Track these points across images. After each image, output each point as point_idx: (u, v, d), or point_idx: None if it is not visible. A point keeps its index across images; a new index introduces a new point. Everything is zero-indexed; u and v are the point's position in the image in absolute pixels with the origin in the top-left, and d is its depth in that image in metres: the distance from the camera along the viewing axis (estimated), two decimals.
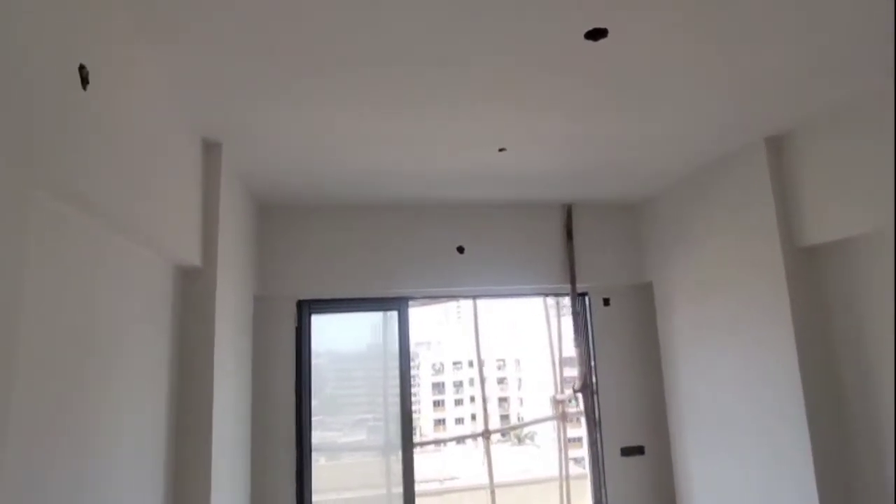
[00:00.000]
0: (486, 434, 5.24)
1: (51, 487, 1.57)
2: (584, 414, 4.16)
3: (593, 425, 4.08)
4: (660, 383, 4.33)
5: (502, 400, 34.76)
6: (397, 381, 4.17)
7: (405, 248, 4.14)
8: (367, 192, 3.86)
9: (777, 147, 3.18)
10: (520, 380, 35.79)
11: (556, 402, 5.28)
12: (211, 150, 2.84)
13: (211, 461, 2.62)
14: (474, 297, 4.67)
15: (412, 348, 4.28)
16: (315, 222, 4.08)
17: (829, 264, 3.05)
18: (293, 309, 4.06)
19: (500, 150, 3.14)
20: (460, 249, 4.21)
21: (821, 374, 3.01)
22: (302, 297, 4.08)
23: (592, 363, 4.35)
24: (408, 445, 4.12)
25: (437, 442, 18.88)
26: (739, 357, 3.43)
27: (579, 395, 4.14)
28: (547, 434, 30.64)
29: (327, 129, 2.82)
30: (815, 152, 2.98)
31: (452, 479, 16.50)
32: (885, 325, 2.75)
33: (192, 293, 2.73)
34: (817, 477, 2.91)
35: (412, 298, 4.30)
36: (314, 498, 3.98)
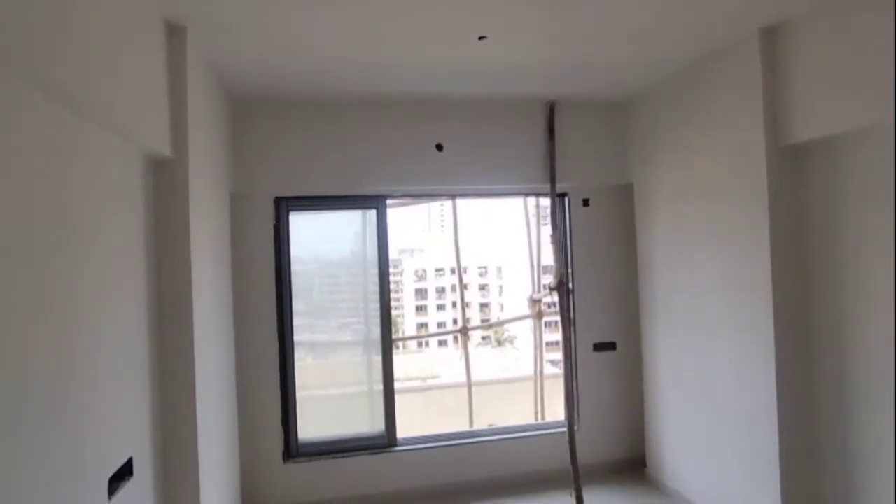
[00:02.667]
0: (465, 331, 5.40)
1: (34, 376, 1.59)
2: (559, 311, 4.28)
3: (567, 322, 4.22)
4: (634, 283, 4.45)
5: (483, 305, 35.70)
6: (377, 279, 4.23)
7: (383, 145, 4.05)
8: (344, 86, 3.71)
9: (771, 38, 3.07)
10: (500, 287, 36.66)
11: (533, 302, 5.42)
12: (175, 33, 2.67)
13: (194, 357, 2.67)
14: (453, 197, 4.64)
15: (395, 255, 4.30)
16: (291, 118, 3.95)
17: (811, 163, 3.05)
18: (271, 207, 4.02)
19: (481, 38, 2.99)
20: (439, 147, 4.13)
21: (791, 276, 3.09)
22: (279, 195, 4.02)
23: (569, 262, 4.43)
24: (387, 340, 4.25)
25: (417, 338, 19.49)
26: (715, 258, 3.51)
27: (555, 293, 4.24)
28: (526, 337, 31.90)
29: (300, 19, 2.66)
30: (810, 44, 2.89)
31: (434, 377, 17.23)
32: (861, 227, 2.81)
33: (164, 185, 2.66)
34: (777, 380, 3.06)
35: (390, 197, 4.27)
36: (298, 394, 4.14)
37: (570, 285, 4.39)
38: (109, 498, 2.07)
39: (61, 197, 1.80)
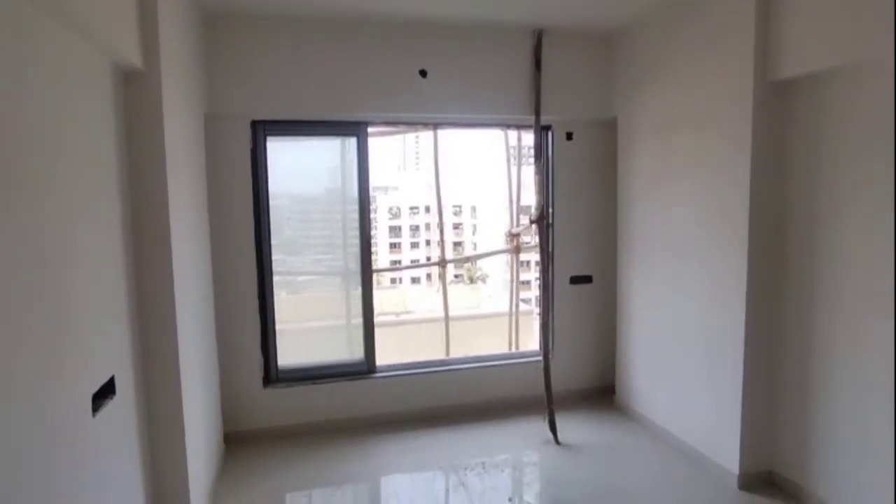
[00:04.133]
0: (443, 263, 5.43)
1: (5, 292, 1.54)
2: (538, 245, 4.31)
3: (546, 255, 4.26)
4: (613, 218, 4.49)
5: (457, 244, 35.91)
6: (357, 209, 4.18)
7: (365, 69, 3.90)
8: (324, 2, 3.52)
9: None
10: (474, 226, 36.81)
11: (511, 236, 5.45)
12: None
13: (172, 277, 2.61)
14: (435, 127, 4.55)
15: (369, 192, 4.22)
16: (269, 36, 3.75)
17: (797, 100, 3.05)
18: (247, 131, 3.88)
19: None
20: (423, 73, 4.00)
21: (768, 210, 3.15)
22: (256, 118, 3.88)
23: (550, 196, 4.43)
24: (367, 271, 4.25)
25: (396, 269, 19.58)
26: (695, 190, 3.55)
27: (535, 226, 4.26)
28: (498, 276, 32.37)
29: None
30: None
31: (408, 312, 17.47)
32: (840, 164, 2.85)
33: (137, 99, 2.52)
34: (747, 311, 3.18)
35: (371, 124, 4.16)
36: (277, 327, 4.14)
37: (550, 219, 4.40)
38: (94, 414, 2.07)
39: (25, 103, 1.69)
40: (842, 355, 2.86)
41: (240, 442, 3.95)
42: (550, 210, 4.42)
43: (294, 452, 3.81)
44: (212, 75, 3.66)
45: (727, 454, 3.35)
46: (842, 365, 2.86)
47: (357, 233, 4.21)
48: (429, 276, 35.86)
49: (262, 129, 3.93)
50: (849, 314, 2.81)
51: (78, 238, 2.00)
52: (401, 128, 4.59)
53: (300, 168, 4.24)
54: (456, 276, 34.73)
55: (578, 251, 4.57)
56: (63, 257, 1.89)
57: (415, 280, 34.60)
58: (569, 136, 4.46)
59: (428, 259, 36.10)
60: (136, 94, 2.52)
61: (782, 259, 3.17)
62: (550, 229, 4.42)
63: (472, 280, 29.90)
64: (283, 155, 4.11)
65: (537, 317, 9.49)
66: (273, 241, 4.05)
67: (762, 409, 3.25)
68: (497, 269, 32.72)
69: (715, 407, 3.44)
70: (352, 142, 4.15)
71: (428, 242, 37.29)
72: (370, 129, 4.17)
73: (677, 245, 3.73)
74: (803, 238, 3.05)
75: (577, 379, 4.67)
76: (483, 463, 3.65)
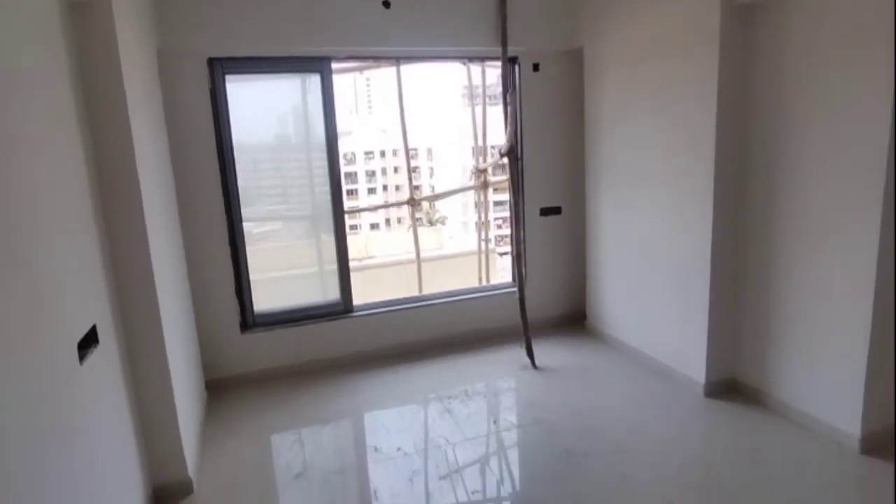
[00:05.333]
0: (412, 202, 5.40)
1: None
2: (506, 180, 4.33)
3: (517, 188, 4.30)
4: (581, 148, 4.54)
5: (415, 188, 35.67)
6: (324, 149, 4.08)
7: (327, 0, 3.72)
8: None
9: None
10: (431, 168, 36.54)
11: (478, 172, 5.44)
12: None
13: (144, 221, 2.53)
14: (398, 61, 4.42)
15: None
16: None
17: (763, 25, 3.09)
18: (204, 69, 3.69)
19: None
20: (386, 4, 3.85)
21: (734, 134, 3.23)
22: (212, 55, 3.68)
23: (519, 129, 4.42)
24: (339, 212, 4.20)
25: (365, 209, 19.42)
26: (662, 116, 3.60)
27: (504, 160, 4.26)
28: (457, 218, 32.51)
29: None
30: None
31: (370, 258, 17.43)
32: (804, 88, 2.93)
33: (88, 33, 2.35)
34: (713, 231, 3.31)
35: (335, 59, 4.01)
36: (251, 277, 4.08)
37: (520, 151, 4.41)
38: (81, 363, 2.03)
39: None
40: (799, 269, 3.03)
41: (222, 388, 3.96)
42: (519, 143, 4.42)
43: (277, 395, 3.85)
44: (163, 7, 3.43)
45: (694, 366, 3.56)
46: (799, 277, 3.04)
47: (326, 174, 4.13)
48: (387, 220, 35.73)
49: (219, 68, 3.74)
50: (807, 230, 2.97)
51: (40, 185, 1.90)
52: (366, 62, 4.44)
53: (263, 110, 4.07)
54: (416, 219, 34.61)
55: (547, 183, 4.62)
56: (28, 206, 1.79)
57: (374, 226, 34.42)
58: (535, 67, 4.41)
59: (386, 202, 35.83)
60: (86, 25, 2.35)
61: (746, 181, 3.29)
62: (519, 162, 4.44)
63: (431, 223, 29.98)
64: (245, 96, 3.94)
65: (499, 256, 9.64)
66: (240, 186, 3.94)
67: (726, 323, 3.45)
68: (456, 212, 32.85)
69: (682, 324, 3.63)
70: (315, 79, 4.00)
71: (385, 188, 36.91)
72: (333, 66, 4.02)
73: (645, 172, 3.81)
74: (766, 160, 3.16)
75: (550, 307, 4.82)
76: (465, 391, 3.78)
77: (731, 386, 3.55)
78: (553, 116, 4.53)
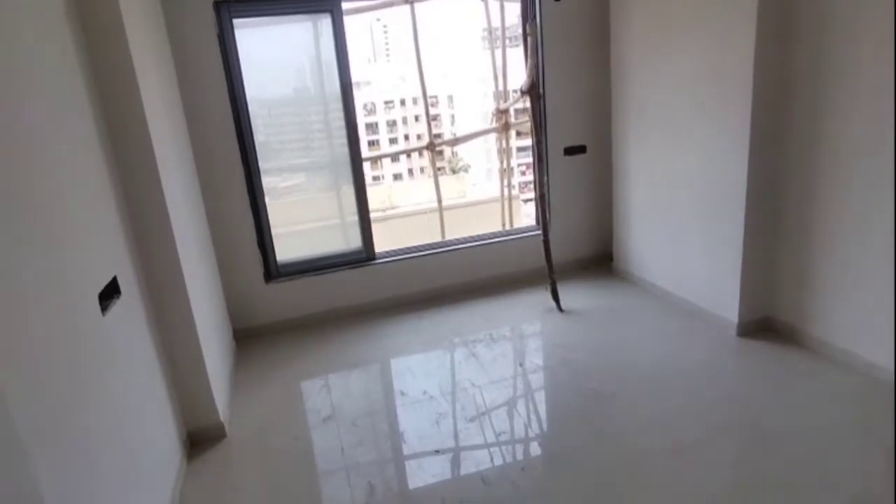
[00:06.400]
0: (432, 146, 5.28)
1: None
2: (528, 120, 4.16)
3: (539, 126, 4.13)
4: (606, 84, 4.32)
5: (436, 136, 35.23)
6: (339, 94, 3.95)
7: None
8: None
9: None
10: (452, 116, 35.89)
11: (499, 113, 5.27)
12: None
13: (158, 171, 2.48)
14: (412, 1, 4.21)
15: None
16: None
17: None
18: (210, 12, 3.55)
19: None
20: None
21: (773, 68, 3.01)
22: None
23: (540, 64, 4.21)
24: (357, 158, 4.11)
25: (383, 155, 19.26)
26: (694, 51, 3.37)
27: (526, 98, 4.08)
28: (480, 165, 32.12)
29: None
30: None
31: (393, 208, 17.40)
32: (850, 20, 2.68)
33: None
34: (749, 169, 3.13)
35: None
36: (273, 231, 4.06)
37: (542, 88, 4.22)
38: (104, 314, 2.03)
39: None
40: (841, 201, 2.86)
41: (249, 338, 4.01)
42: (541, 80, 4.22)
43: (303, 343, 3.89)
44: None
45: (726, 305, 3.46)
46: (840, 210, 2.87)
47: (342, 122, 4.02)
48: (410, 171, 35.51)
49: (226, 11, 3.61)
50: (849, 160, 2.78)
51: (50, 135, 1.85)
52: (378, 1, 4.24)
53: (275, 58, 3.93)
54: (438, 169, 34.33)
55: (571, 121, 4.44)
56: (42, 160, 1.75)
57: (397, 177, 34.27)
58: None
59: (408, 155, 35.52)
60: None
61: (785, 109, 3.07)
62: (542, 100, 4.25)
63: (454, 171, 29.69)
64: (256, 45, 3.80)
65: (523, 203, 9.46)
66: (256, 138, 3.86)
67: (761, 259, 3.32)
68: (479, 159, 32.43)
69: (715, 262, 3.50)
70: (326, 21, 3.84)
71: (406, 137, 36.51)
72: (344, 6, 3.84)
73: (676, 104, 3.61)
74: (808, 89, 2.94)
75: (575, 249, 4.72)
76: (490, 334, 3.76)
77: (766, 325, 3.44)
78: (576, 50, 4.29)
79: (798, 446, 2.44)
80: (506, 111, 5.21)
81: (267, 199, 3.99)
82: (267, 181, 3.98)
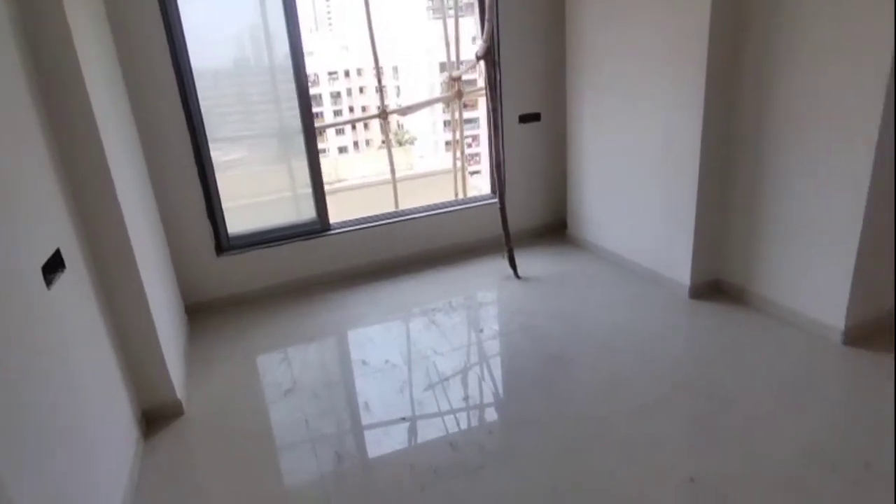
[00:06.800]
0: (385, 115, 5.16)
1: None
2: (486, 82, 4.11)
3: (494, 93, 4.10)
4: (563, 51, 4.32)
5: (379, 107, 34.56)
6: (289, 59, 3.78)
7: None
8: None
9: None
10: (398, 87, 35.30)
11: (452, 80, 5.19)
12: None
13: (102, 147, 2.32)
14: None
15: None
16: None
17: None
18: None
19: None
20: None
21: (727, 33, 3.06)
22: None
23: (496, 29, 4.16)
24: (309, 125, 3.97)
25: (335, 124, 18.80)
26: (650, 24, 3.40)
27: (481, 64, 4.03)
28: (427, 137, 31.86)
29: None
30: None
31: (341, 181, 17.12)
32: None
33: None
34: (703, 137, 3.20)
35: None
36: (225, 204, 3.89)
37: (497, 55, 4.17)
38: (48, 287, 1.90)
39: None
40: (786, 167, 2.99)
41: (202, 312, 3.87)
42: (496, 45, 4.17)
43: (258, 316, 3.78)
44: None
45: (679, 269, 3.58)
46: (790, 176, 2.99)
47: (293, 89, 3.86)
48: (356, 143, 34.84)
49: None
50: (802, 131, 2.88)
51: None
52: None
53: (220, 23, 3.70)
54: (383, 142, 33.82)
55: (526, 88, 4.43)
56: None
57: (342, 149, 33.57)
58: None
59: (353, 126, 34.80)
60: None
61: (739, 80, 3.15)
62: (497, 66, 4.21)
63: (400, 143, 29.33)
64: (200, 10, 3.56)
65: (469, 174, 9.46)
66: (203, 110, 3.66)
67: (713, 225, 3.44)
68: (425, 131, 32.13)
69: (668, 227, 3.60)
70: None
71: (351, 109, 35.71)
72: None
73: (631, 70, 3.65)
74: (762, 58, 3.01)
75: (530, 217, 4.76)
76: (449, 302, 3.76)
77: (716, 287, 3.59)
78: (532, 16, 4.26)
79: (749, 401, 2.57)
80: (458, 79, 5.15)
81: (217, 172, 3.82)
82: (216, 153, 3.80)
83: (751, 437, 2.34)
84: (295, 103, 3.89)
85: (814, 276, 2.99)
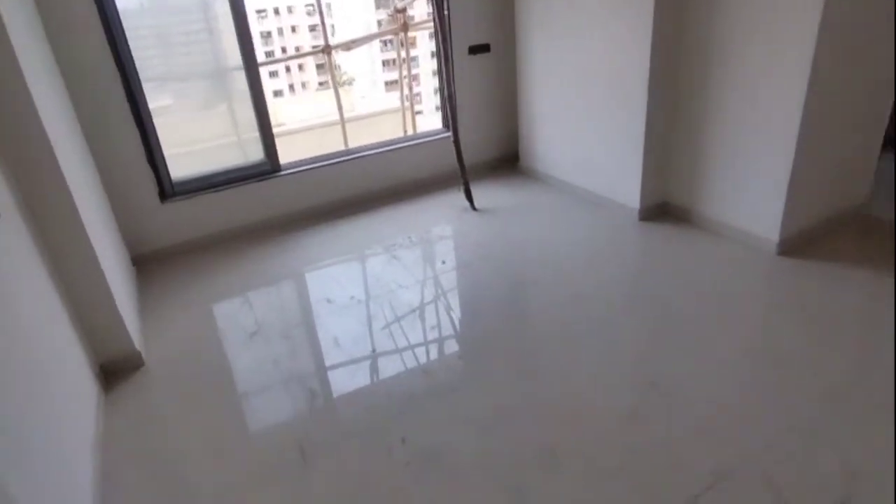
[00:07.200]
0: (328, 49, 4.94)
1: None
2: (434, 12, 3.98)
3: (443, 23, 3.98)
4: None
5: (314, 47, 33.07)
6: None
7: None
8: None
9: None
10: (332, 25, 33.71)
11: (396, 13, 5.01)
12: None
13: (26, 83, 2.13)
14: None
15: None
16: None
17: None
18: None
19: None
20: None
21: None
22: None
23: None
24: (251, 59, 3.77)
25: (277, 61, 17.83)
26: None
27: None
28: (365, 77, 30.85)
29: None
30: None
31: (280, 125, 16.43)
32: None
33: None
34: (651, 65, 3.24)
35: None
36: (165, 152, 3.68)
37: None
38: None
39: None
40: (732, 90, 3.07)
41: (150, 262, 3.73)
42: None
43: (211, 263, 3.67)
44: None
45: (629, 194, 3.68)
46: (731, 99, 3.08)
47: (231, 23, 3.62)
48: (291, 86, 33.37)
49: None
50: (740, 49, 2.95)
51: None
52: None
53: None
54: (321, 84, 32.60)
55: (474, 18, 4.31)
56: None
57: (277, 93, 32.12)
58: None
59: (287, 69, 33.23)
60: None
61: (685, 5, 3.17)
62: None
63: (339, 85, 28.33)
64: None
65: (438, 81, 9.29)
66: (133, 47, 3.38)
67: (660, 149, 3.53)
68: (363, 70, 31.07)
69: (618, 154, 3.68)
70: None
71: (284, 49, 34.00)
72: None
73: (579, 4, 3.60)
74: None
75: (482, 150, 4.75)
76: (409, 237, 3.76)
77: (664, 209, 3.72)
78: None
79: (696, 310, 2.74)
80: (403, 11, 4.96)
81: (156, 118, 3.58)
82: (152, 95, 3.55)
83: (700, 342, 2.50)
84: (234, 39, 3.67)
85: (752, 194, 3.15)
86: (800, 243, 3.18)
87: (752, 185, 3.12)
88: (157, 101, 3.61)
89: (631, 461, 1.93)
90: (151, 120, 3.57)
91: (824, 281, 2.87)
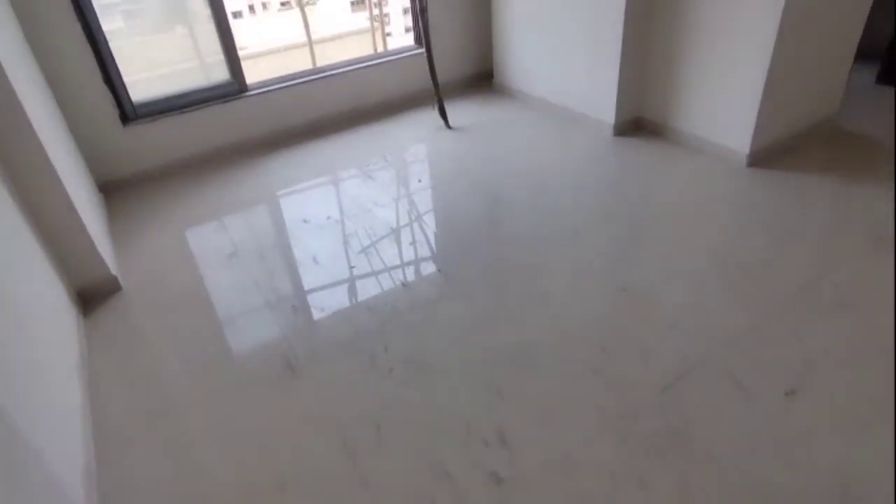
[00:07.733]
0: None
1: None
2: None
3: None
4: None
5: None
6: None
7: None
8: None
9: None
10: None
11: None
12: None
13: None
14: None
15: None
16: None
17: None
18: None
19: None
20: None
21: None
22: None
23: None
24: None
25: None
26: None
27: None
28: None
29: None
30: None
31: (242, 48, 15.65)
32: None
33: None
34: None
35: None
36: (125, 79, 3.50)
37: None
38: None
39: None
40: (707, 4, 3.02)
41: (117, 189, 3.63)
42: None
43: (181, 189, 3.60)
44: None
45: (604, 109, 3.67)
46: (705, 13, 3.04)
47: None
48: (251, 7, 31.54)
49: None
50: None
51: None
52: None
53: None
54: (283, 4, 30.88)
55: None
56: None
57: (237, 14, 30.36)
58: None
59: (251, 9, 31.30)
60: None
61: None
62: None
63: (301, 5, 26.88)
64: None
65: (385, 36, 8.97)
66: None
67: (636, 65, 3.49)
68: None
69: (594, 69, 3.63)
70: None
71: None
72: None
73: None
74: None
75: (455, 67, 4.64)
76: (384, 156, 3.72)
77: (638, 124, 3.73)
78: None
79: (667, 219, 2.82)
80: None
81: (112, 42, 3.38)
82: (103, 15, 3.32)
83: (669, 250, 2.60)
84: None
85: (725, 108, 3.17)
86: (769, 155, 3.24)
87: (726, 99, 3.14)
88: (109, 23, 3.40)
89: (603, 358, 2.04)
90: (105, 38, 3.37)
91: (790, 190, 2.96)
